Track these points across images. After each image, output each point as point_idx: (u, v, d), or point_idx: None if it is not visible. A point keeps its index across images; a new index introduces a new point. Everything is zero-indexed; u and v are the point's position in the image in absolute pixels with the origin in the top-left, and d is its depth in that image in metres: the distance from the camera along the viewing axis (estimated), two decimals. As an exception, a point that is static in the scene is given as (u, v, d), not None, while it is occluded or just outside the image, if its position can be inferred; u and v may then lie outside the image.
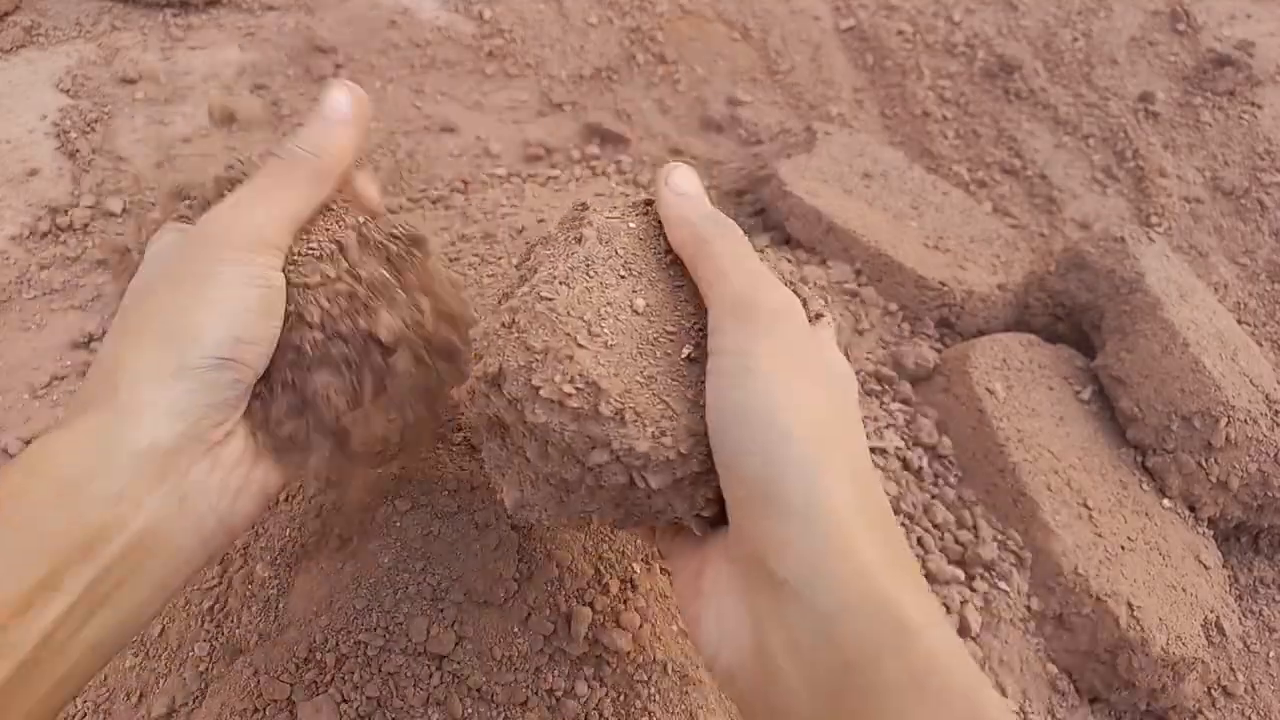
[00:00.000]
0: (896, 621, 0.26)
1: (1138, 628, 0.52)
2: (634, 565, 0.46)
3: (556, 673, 0.42)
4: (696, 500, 0.31)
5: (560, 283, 0.31)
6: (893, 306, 0.70)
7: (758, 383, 0.28)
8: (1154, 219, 0.86)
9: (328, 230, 0.35)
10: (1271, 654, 0.60)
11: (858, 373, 0.64)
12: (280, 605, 0.45)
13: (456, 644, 0.42)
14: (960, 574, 0.54)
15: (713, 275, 0.31)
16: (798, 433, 0.28)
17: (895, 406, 0.63)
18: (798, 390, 0.28)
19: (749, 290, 0.30)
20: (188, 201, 0.38)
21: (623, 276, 0.32)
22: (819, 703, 0.26)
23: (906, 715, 0.25)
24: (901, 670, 0.25)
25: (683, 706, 0.42)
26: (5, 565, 0.27)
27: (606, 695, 0.42)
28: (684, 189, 0.34)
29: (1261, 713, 0.57)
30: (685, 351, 0.31)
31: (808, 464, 0.27)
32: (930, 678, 0.25)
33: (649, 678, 0.43)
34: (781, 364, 0.28)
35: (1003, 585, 0.54)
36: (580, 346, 0.29)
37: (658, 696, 0.42)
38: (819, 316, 0.34)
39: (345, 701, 0.40)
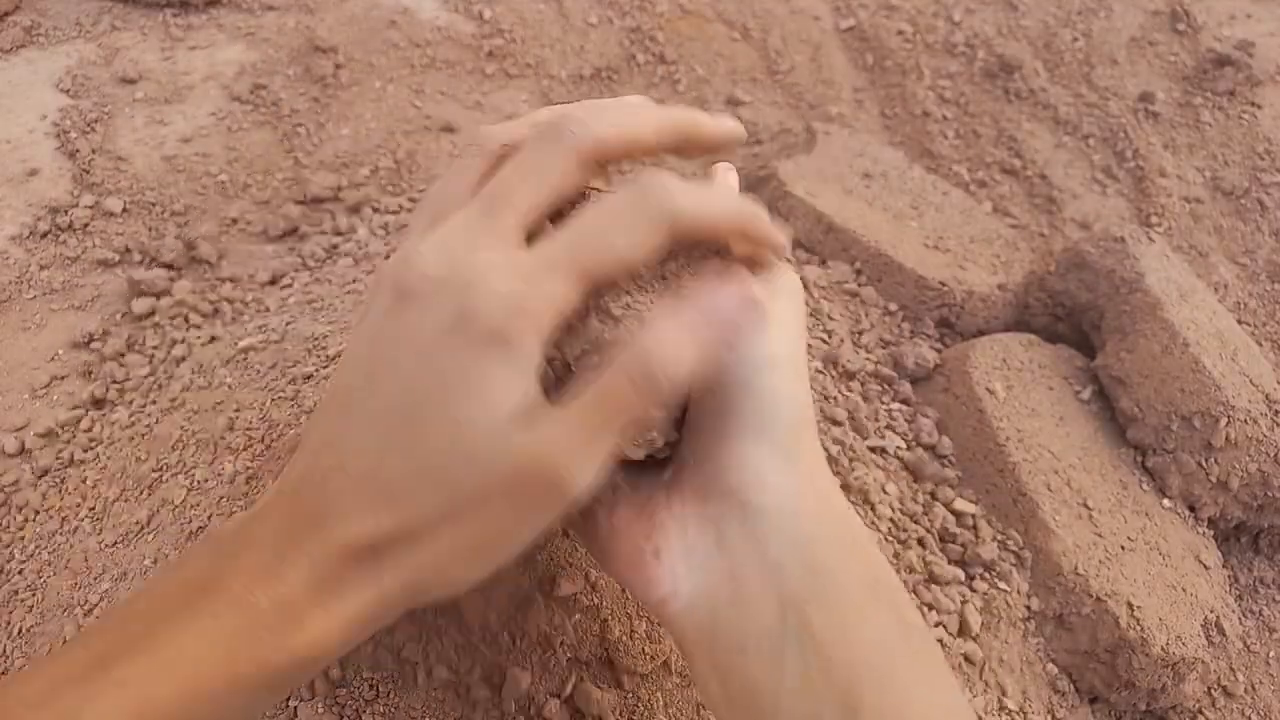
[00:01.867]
0: (853, 535, 0.30)
1: (1138, 628, 0.52)
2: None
3: (562, 675, 0.42)
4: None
5: None
6: (893, 306, 0.70)
7: None
8: (1154, 219, 0.86)
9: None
10: (1271, 654, 0.60)
11: (858, 372, 0.64)
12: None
13: (459, 647, 0.42)
14: (960, 574, 0.54)
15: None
16: (787, 369, 0.29)
17: (895, 406, 0.63)
18: (780, 333, 0.29)
19: None
20: None
21: None
22: (788, 612, 0.27)
23: (864, 612, 0.28)
24: (858, 574, 0.28)
25: (686, 706, 0.43)
26: None
27: (612, 697, 0.42)
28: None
29: (1261, 713, 0.57)
30: None
31: (794, 403, 0.29)
32: (877, 582, 0.29)
33: (654, 679, 0.43)
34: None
35: (1003, 585, 0.54)
36: None
37: (661, 697, 0.42)
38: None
39: (344, 705, 0.40)
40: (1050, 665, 0.54)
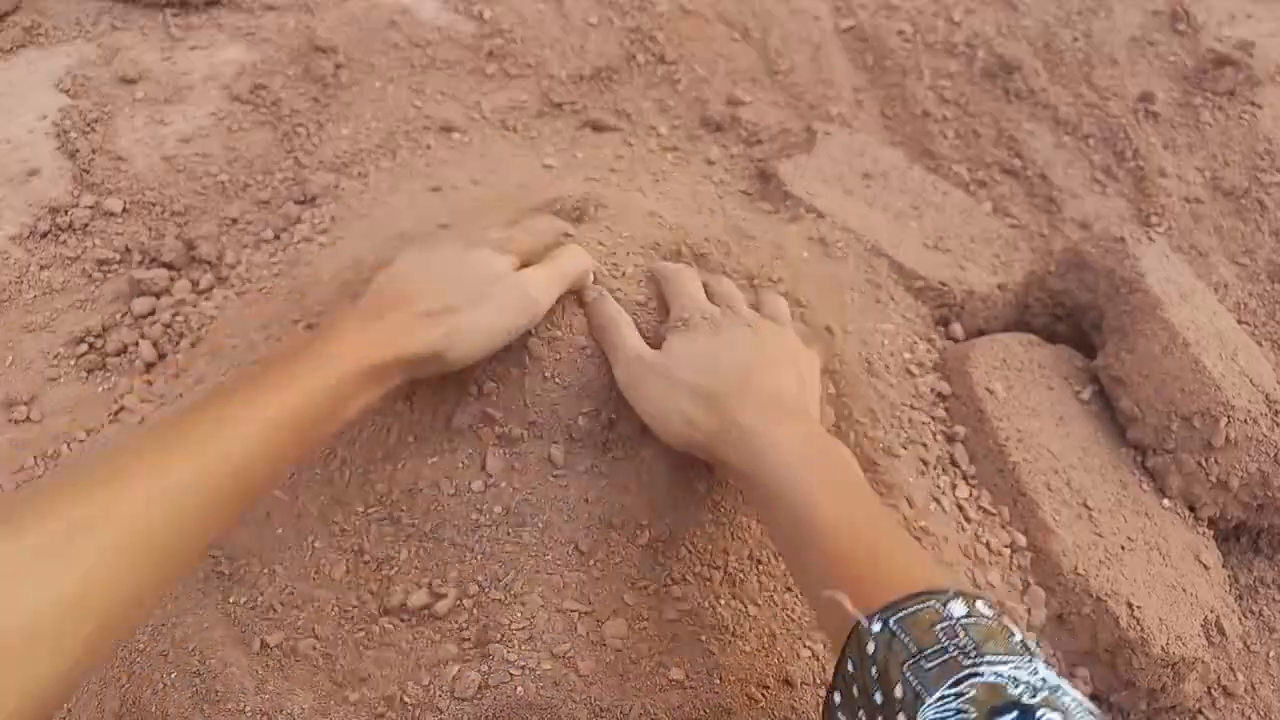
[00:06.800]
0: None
1: (1138, 628, 0.52)
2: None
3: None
4: None
5: None
6: (893, 306, 0.69)
7: None
8: (1154, 219, 0.86)
9: None
10: (1271, 654, 0.60)
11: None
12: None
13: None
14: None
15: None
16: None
17: (895, 406, 0.63)
18: None
19: None
20: None
21: None
22: None
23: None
24: None
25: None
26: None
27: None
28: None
29: (1261, 713, 0.57)
30: None
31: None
32: None
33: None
34: None
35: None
36: None
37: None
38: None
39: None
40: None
